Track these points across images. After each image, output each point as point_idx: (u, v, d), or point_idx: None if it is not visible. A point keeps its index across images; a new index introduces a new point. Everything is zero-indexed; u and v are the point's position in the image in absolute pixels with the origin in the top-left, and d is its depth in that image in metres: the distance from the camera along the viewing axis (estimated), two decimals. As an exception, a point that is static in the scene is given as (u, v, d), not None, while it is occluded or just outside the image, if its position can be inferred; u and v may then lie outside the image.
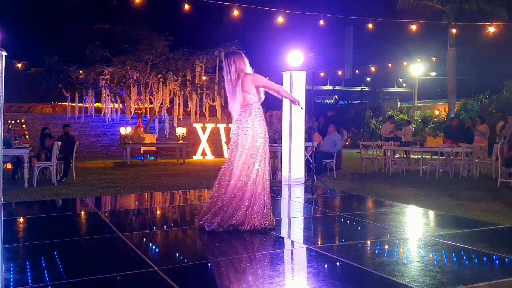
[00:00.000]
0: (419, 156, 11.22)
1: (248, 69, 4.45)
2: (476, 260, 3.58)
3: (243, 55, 4.50)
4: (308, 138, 8.74)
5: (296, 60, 7.71)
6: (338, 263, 3.48)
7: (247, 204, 4.28)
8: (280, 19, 12.35)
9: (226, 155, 14.47)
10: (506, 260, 3.57)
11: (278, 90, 4.61)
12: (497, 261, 3.55)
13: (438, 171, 9.95)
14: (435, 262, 3.49)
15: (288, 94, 4.73)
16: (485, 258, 3.62)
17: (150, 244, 4.14)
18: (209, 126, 15.29)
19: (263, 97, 4.52)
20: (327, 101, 33.29)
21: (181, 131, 14.34)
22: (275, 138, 9.70)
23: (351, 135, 21.99)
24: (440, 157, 11.00)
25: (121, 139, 15.50)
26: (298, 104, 4.80)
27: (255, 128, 4.35)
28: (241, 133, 4.35)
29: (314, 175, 7.64)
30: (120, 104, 15.16)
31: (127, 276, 3.15)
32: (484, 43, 18.95)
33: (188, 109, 15.12)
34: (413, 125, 18.08)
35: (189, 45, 15.19)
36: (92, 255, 3.76)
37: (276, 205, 5.82)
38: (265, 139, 4.40)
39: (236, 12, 12.01)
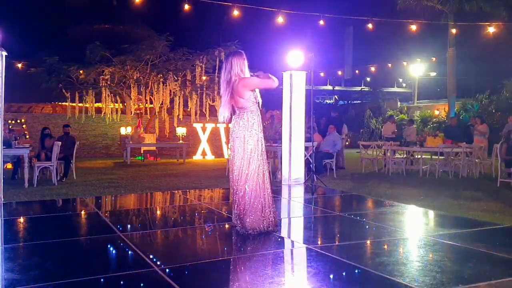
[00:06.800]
0: (419, 156, 11.23)
1: (247, 72, 4.37)
2: (476, 260, 3.58)
3: (244, 56, 4.40)
4: (308, 138, 8.74)
5: (296, 60, 7.70)
6: (338, 263, 3.48)
7: (243, 207, 4.25)
8: (280, 19, 12.35)
9: (226, 155, 14.49)
10: (506, 260, 3.57)
11: (271, 85, 4.41)
12: (497, 261, 3.55)
13: (438, 171, 9.95)
14: (435, 262, 3.50)
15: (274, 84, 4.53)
16: (485, 258, 3.62)
17: (150, 244, 4.14)
18: (209, 126, 15.30)
19: (260, 100, 4.44)
20: (327, 101, 33.28)
21: (181, 131, 14.33)
22: (275, 138, 9.67)
23: (351, 134, 21.98)
24: (440, 157, 11.01)
25: (121, 139, 15.50)
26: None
27: (247, 131, 4.29)
28: (235, 137, 4.35)
29: (314, 175, 7.64)
30: (120, 104, 15.15)
31: (127, 276, 3.15)
32: (483, 43, 18.95)
33: (188, 109, 15.10)
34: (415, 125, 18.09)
35: (189, 45, 15.18)
36: (92, 255, 3.76)
37: (276, 205, 5.79)
38: (257, 142, 4.30)
39: (236, 12, 12.01)
